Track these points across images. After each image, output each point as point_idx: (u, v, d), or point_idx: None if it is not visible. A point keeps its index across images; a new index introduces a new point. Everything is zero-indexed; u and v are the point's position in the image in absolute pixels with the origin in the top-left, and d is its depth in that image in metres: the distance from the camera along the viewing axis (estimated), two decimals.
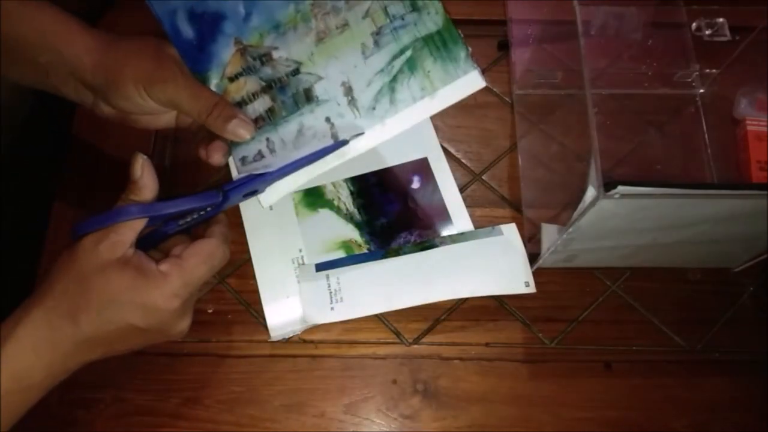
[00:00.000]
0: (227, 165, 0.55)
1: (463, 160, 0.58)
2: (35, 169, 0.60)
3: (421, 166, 0.56)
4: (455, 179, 0.56)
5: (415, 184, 0.55)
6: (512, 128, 0.59)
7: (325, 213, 0.54)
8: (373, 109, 0.44)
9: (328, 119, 0.44)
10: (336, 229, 0.54)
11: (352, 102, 0.45)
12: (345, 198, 0.55)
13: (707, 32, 0.53)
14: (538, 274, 0.51)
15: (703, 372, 0.51)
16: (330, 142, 0.44)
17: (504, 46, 0.62)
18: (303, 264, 0.52)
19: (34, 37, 0.41)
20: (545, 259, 0.50)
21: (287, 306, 0.51)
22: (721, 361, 0.51)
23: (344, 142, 0.45)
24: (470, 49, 0.46)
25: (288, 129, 0.45)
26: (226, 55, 0.44)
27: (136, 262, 0.38)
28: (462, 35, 0.45)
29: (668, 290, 0.53)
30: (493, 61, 0.62)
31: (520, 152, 0.58)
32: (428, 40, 0.45)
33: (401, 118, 0.45)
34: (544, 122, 0.59)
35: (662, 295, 0.53)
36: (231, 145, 0.44)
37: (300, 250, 0.53)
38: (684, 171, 0.58)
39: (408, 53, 0.45)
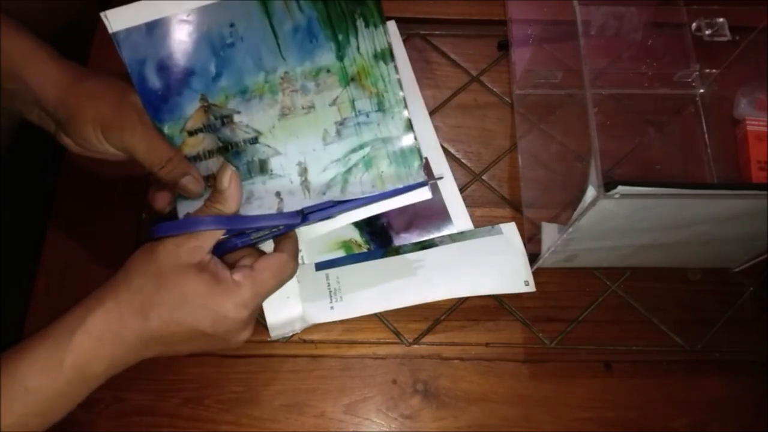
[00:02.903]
0: None
1: (463, 160, 0.58)
2: (35, 169, 0.60)
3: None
4: (455, 179, 0.56)
5: None
6: (512, 128, 0.59)
7: None
8: (323, 194, 0.45)
9: (278, 194, 0.45)
10: (336, 229, 0.53)
11: (305, 183, 0.45)
12: None
13: (707, 32, 0.53)
14: (538, 274, 0.51)
15: (703, 372, 0.51)
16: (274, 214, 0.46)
17: (504, 46, 0.62)
18: (303, 263, 0.52)
19: (1, 63, 0.41)
20: (545, 259, 0.50)
21: (287, 305, 0.51)
22: (721, 361, 0.51)
23: (426, 183, 0.45)
24: (425, 160, 0.47)
25: None
26: (189, 109, 0.43)
27: (213, 269, 0.39)
28: (419, 147, 0.45)
29: (668, 290, 0.53)
30: (493, 61, 0.62)
31: (520, 152, 0.58)
32: (387, 142, 0.45)
33: (348, 210, 0.46)
34: (544, 122, 0.59)
35: (662, 295, 0.53)
36: (177, 198, 0.45)
37: (300, 250, 0.53)
38: (684, 171, 0.58)
39: (366, 150, 0.45)
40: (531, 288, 0.51)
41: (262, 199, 0.45)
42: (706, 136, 0.59)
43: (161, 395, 0.48)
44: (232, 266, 0.41)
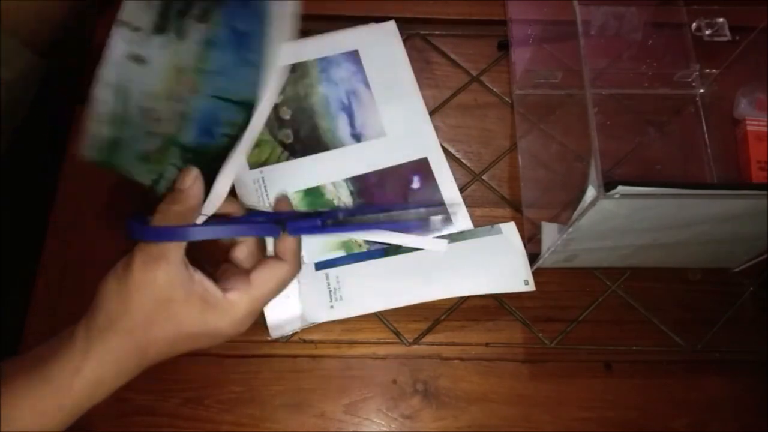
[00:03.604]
0: None
1: (463, 160, 0.58)
2: (35, 169, 0.60)
3: (421, 166, 0.56)
4: (455, 179, 0.56)
5: (415, 184, 0.55)
6: (512, 128, 0.59)
7: None
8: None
9: None
10: None
11: None
12: (345, 198, 0.55)
13: (707, 32, 0.53)
14: (538, 274, 0.51)
15: (703, 372, 0.51)
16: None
17: (504, 46, 0.62)
18: (303, 263, 0.52)
19: None
20: (545, 259, 0.50)
21: (287, 305, 0.51)
22: (721, 361, 0.51)
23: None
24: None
25: None
26: None
27: (200, 292, 0.37)
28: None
29: (668, 290, 0.53)
30: (493, 61, 0.62)
31: (520, 152, 0.58)
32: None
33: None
34: (544, 122, 0.59)
35: (662, 295, 0.53)
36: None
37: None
38: (684, 171, 0.58)
39: None
40: (531, 287, 0.51)
41: None
42: (706, 136, 0.59)
43: (161, 395, 0.48)
44: (226, 260, 0.40)
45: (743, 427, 0.49)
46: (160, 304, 0.36)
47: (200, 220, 0.39)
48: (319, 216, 0.42)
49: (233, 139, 0.40)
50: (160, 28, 0.38)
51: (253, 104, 0.39)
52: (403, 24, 0.62)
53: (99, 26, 0.60)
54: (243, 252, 0.41)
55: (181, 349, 0.37)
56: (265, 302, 0.40)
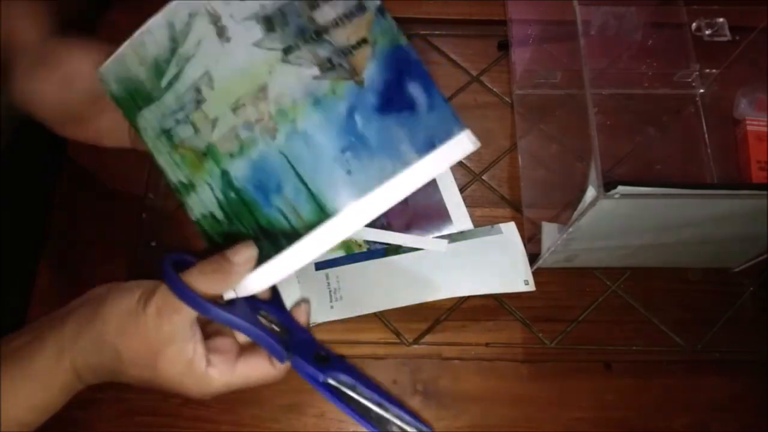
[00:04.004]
0: None
1: (463, 160, 0.58)
2: (35, 169, 0.60)
3: None
4: (455, 179, 0.56)
5: None
6: (512, 128, 0.59)
7: None
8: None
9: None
10: None
11: None
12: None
13: (707, 32, 0.53)
14: (538, 274, 0.51)
15: (703, 372, 0.51)
16: None
17: (504, 46, 0.62)
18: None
19: None
20: (545, 259, 0.50)
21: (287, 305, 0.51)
22: (721, 361, 0.51)
23: None
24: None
25: None
26: None
27: (189, 357, 0.37)
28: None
29: (668, 290, 0.53)
30: (493, 61, 0.62)
31: (520, 152, 0.58)
32: None
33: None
34: (544, 122, 0.59)
35: (662, 295, 0.53)
36: None
37: None
38: (684, 171, 0.58)
39: None
40: (531, 287, 0.51)
41: None
42: (706, 136, 0.59)
43: (161, 395, 0.48)
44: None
45: (743, 427, 0.49)
46: (151, 351, 0.36)
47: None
48: (322, 369, 0.40)
49: (290, 233, 0.35)
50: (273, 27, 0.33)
51: (325, 212, 0.34)
52: (403, 24, 0.61)
53: (99, 26, 0.60)
54: (232, 348, 0.40)
55: (153, 386, 0.38)
56: (242, 385, 0.39)
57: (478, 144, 0.36)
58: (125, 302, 0.36)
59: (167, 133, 0.36)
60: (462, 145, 0.35)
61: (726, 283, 0.54)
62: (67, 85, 0.41)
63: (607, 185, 0.37)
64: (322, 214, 0.34)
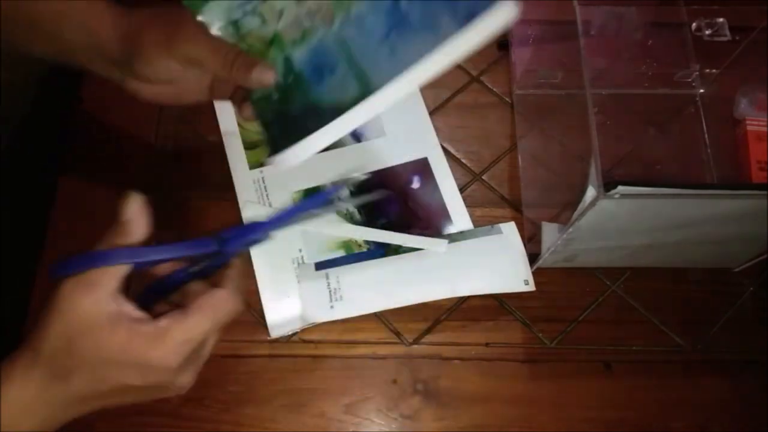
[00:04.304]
0: (228, 167, 0.56)
1: (463, 160, 0.58)
2: (35, 169, 0.60)
3: (421, 166, 0.56)
4: (455, 179, 0.56)
5: (415, 184, 0.55)
6: (512, 128, 0.59)
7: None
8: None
9: None
10: (335, 229, 0.54)
11: None
12: (345, 198, 0.55)
13: (707, 32, 0.53)
14: (538, 273, 0.51)
15: (703, 372, 0.51)
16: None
17: (504, 46, 0.62)
18: (303, 263, 0.52)
19: (60, 11, 0.41)
20: (545, 259, 0.50)
21: (287, 305, 0.51)
22: (721, 361, 0.51)
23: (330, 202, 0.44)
24: None
25: None
26: None
27: (128, 318, 0.34)
28: None
29: (668, 290, 0.53)
30: (493, 61, 0.62)
31: (520, 152, 0.58)
32: None
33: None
34: (544, 122, 0.59)
35: (662, 295, 0.53)
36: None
37: (300, 250, 0.53)
38: (684, 171, 0.58)
39: None
40: (531, 287, 0.51)
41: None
42: (706, 136, 0.59)
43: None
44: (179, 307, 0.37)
45: (743, 427, 0.49)
46: (83, 329, 0.34)
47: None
48: (248, 229, 0.39)
49: (335, 108, 0.38)
50: None
51: (369, 88, 0.37)
52: None
53: None
54: (188, 301, 0.38)
55: (106, 380, 0.35)
56: (200, 334, 0.36)
57: (519, 11, 0.37)
58: (43, 308, 0.35)
59: (235, 24, 0.41)
60: (504, 13, 0.38)
61: (726, 283, 0.54)
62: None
63: (607, 185, 0.37)
64: (367, 89, 0.38)
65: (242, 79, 0.41)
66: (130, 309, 0.35)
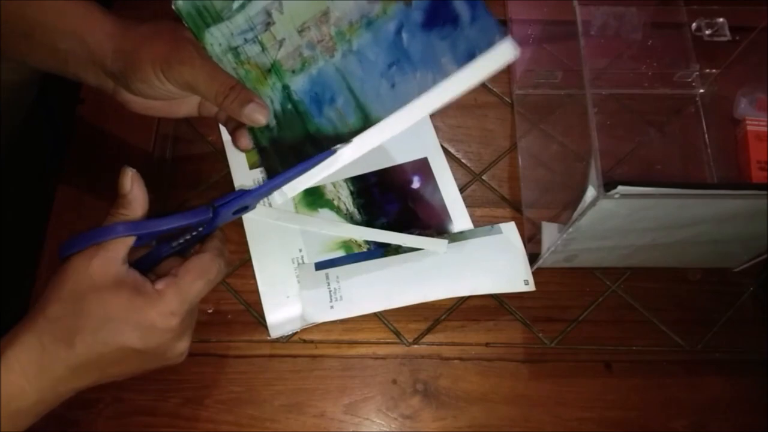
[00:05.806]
0: (228, 167, 0.56)
1: (463, 160, 0.58)
2: (36, 168, 0.60)
3: (421, 166, 0.56)
4: (455, 179, 0.56)
5: (415, 184, 0.55)
6: (512, 128, 0.59)
7: (325, 213, 0.54)
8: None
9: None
10: (335, 229, 0.54)
11: None
12: (345, 198, 0.55)
13: (707, 32, 0.53)
14: (538, 273, 0.51)
15: (703, 372, 0.51)
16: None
17: None
18: (303, 263, 0.52)
19: (55, 21, 0.41)
20: (545, 259, 0.50)
21: (287, 305, 0.51)
22: (721, 361, 0.51)
23: (332, 152, 0.44)
24: None
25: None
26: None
27: (132, 281, 0.37)
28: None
29: (668, 290, 0.53)
30: None
31: (520, 152, 0.58)
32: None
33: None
34: (544, 122, 0.59)
35: (662, 295, 0.53)
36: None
37: (300, 250, 0.53)
38: (684, 171, 0.58)
39: None
40: (531, 287, 0.51)
41: None
42: (706, 136, 0.59)
43: (161, 395, 0.48)
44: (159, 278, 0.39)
45: (743, 427, 0.49)
46: (91, 289, 0.36)
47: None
48: (239, 194, 0.41)
49: (335, 138, 0.39)
50: None
51: (369, 120, 0.38)
52: None
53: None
54: (172, 269, 0.40)
55: (108, 342, 0.36)
56: (195, 293, 0.39)
57: (518, 52, 0.39)
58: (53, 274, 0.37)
59: (234, 51, 0.41)
60: (502, 54, 0.39)
61: (726, 283, 0.54)
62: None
63: (607, 185, 0.37)
64: (367, 121, 0.39)
65: (234, 114, 0.41)
66: (134, 274, 0.38)
